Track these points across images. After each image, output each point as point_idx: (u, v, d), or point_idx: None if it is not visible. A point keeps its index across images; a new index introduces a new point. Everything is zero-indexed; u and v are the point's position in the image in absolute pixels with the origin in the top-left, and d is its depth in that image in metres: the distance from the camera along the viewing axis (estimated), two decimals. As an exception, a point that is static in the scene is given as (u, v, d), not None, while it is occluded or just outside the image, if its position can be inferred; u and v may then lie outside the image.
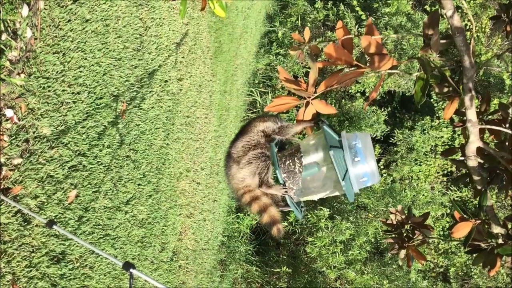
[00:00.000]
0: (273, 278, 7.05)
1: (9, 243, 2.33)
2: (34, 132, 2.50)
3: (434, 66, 1.52)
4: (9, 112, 2.31)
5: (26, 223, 2.43)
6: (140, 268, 3.70)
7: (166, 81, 4.13)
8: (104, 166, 3.16)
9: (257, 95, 7.53)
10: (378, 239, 6.79)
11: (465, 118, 1.54)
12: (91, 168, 3.01)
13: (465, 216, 1.69)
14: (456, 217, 1.71)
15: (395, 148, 8.21)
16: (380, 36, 1.50)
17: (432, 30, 1.52)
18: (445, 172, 8.42)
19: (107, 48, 3.17)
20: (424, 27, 1.55)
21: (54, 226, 2.07)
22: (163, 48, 4.05)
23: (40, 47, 2.53)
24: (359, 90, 8.15)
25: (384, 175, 7.99)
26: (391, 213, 2.23)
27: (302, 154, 1.98)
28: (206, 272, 5.48)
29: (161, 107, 4.04)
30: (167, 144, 4.18)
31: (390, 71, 1.50)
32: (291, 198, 1.99)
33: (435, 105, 8.06)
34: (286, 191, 1.97)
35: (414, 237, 2.13)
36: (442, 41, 1.51)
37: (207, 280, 5.51)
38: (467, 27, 7.82)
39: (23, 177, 2.43)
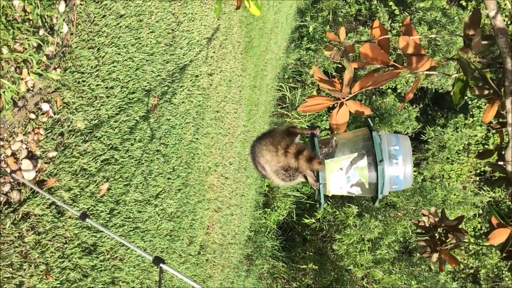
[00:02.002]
0: (299, 274, 7.04)
1: (43, 234, 2.39)
2: (68, 126, 2.55)
3: (475, 68, 1.47)
4: (45, 106, 2.36)
5: (59, 215, 2.48)
6: (168, 261, 3.74)
7: (197, 76, 4.15)
8: (135, 160, 3.21)
9: (287, 90, 7.50)
10: (407, 239, 6.69)
11: (504, 120, 1.49)
12: (122, 161, 3.05)
13: (502, 222, 1.63)
14: (493, 222, 1.66)
15: (426, 146, 8.05)
16: (418, 36, 1.46)
17: (473, 30, 1.47)
18: (478, 171, 8.22)
19: (140, 43, 3.20)
20: (465, 27, 1.50)
21: (87, 219, 2.11)
22: (195, 43, 4.07)
23: (75, 42, 2.57)
24: (390, 87, 8.02)
25: (415, 173, 7.85)
26: (424, 215, 2.19)
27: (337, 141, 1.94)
28: (233, 266, 5.51)
29: (192, 102, 4.06)
30: (197, 138, 4.20)
31: (428, 72, 1.46)
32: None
33: (470, 102, 7.86)
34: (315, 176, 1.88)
35: (447, 241, 2.09)
36: (483, 42, 1.46)
37: (234, 274, 5.54)
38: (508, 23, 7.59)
39: (57, 170, 2.48)
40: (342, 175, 1.87)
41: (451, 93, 1.55)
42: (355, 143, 1.95)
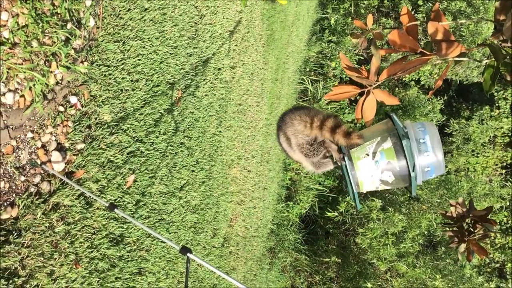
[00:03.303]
0: (322, 267, 7.03)
1: (72, 224, 2.44)
2: (96, 119, 2.59)
3: (506, 53, 1.44)
4: (73, 99, 2.40)
5: (88, 206, 2.53)
6: (193, 253, 3.78)
7: (219, 69, 4.17)
8: (160, 153, 3.24)
9: (308, 83, 7.47)
10: (431, 232, 6.61)
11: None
12: (148, 154, 3.09)
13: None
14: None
15: (451, 139, 7.93)
16: (448, 22, 1.44)
17: (504, 15, 1.44)
18: (504, 164, 8.07)
19: (164, 37, 3.22)
20: (496, 12, 1.47)
21: (116, 210, 2.15)
22: (217, 36, 4.08)
23: (102, 36, 2.61)
24: (413, 78, 7.91)
25: (439, 166, 7.73)
26: (451, 205, 2.16)
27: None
28: (256, 259, 5.54)
29: (215, 94, 4.08)
30: (220, 131, 4.22)
31: (458, 58, 1.43)
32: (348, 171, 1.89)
33: (495, 94, 7.71)
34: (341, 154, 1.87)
35: (476, 231, 2.06)
36: (515, 27, 1.42)
37: (257, 267, 5.57)
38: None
39: (85, 162, 2.52)
40: (370, 161, 1.85)
41: (482, 80, 1.52)
42: (379, 133, 1.94)
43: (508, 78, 1.49)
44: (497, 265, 8.00)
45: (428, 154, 1.76)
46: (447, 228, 2.12)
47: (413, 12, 7.55)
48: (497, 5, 1.47)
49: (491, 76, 1.48)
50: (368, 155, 1.88)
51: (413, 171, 1.76)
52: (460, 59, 1.46)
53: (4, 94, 1.98)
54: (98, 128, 2.62)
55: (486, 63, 1.51)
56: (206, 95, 3.91)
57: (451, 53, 1.41)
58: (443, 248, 6.69)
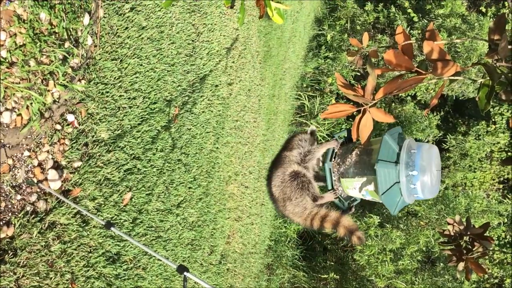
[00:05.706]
0: (320, 284, 6.98)
1: (68, 243, 2.42)
2: (93, 136, 2.59)
3: (501, 73, 1.46)
4: (70, 117, 2.40)
5: (84, 224, 2.52)
6: (190, 270, 3.75)
7: (216, 85, 4.18)
8: (157, 170, 3.23)
9: (305, 99, 7.49)
10: (430, 248, 6.58)
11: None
12: (145, 171, 3.08)
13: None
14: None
15: (448, 154, 7.95)
16: (443, 41, 1.45)
17: (498, 35, 1.46)
18: (502, 179, 8.07)
19: (162, 54, 3.24)
20: (490, 32, 1.49)
21: (112, 228, 2.13)
22: (214, 53, 4.11)
23: (99, 54, 2.62)
24: (410, 94, 7.95)
25: (436, 181, 7.72)
26: (449, 223, 2.16)
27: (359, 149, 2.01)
28: (253, 275, 5.49)
29: (212, 111, 4.09)
30: (217, 148, 4.22)
31: (453, 77, 1.44)
32: (340, 198, 2.06)
33: (491, 110, 7.75)
34: (336, 194, 2.04)
35: (474, 249, 2.06)
36: (510, 47, 1.44)
37: (254, 284, 5.52)
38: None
39: (82, 180, 2.51)
40: (357, 193, 1.96)
41: (477, 99, 1.53)
42: (368, 165, 2.00)
43: (503, 97, 1.50)
44: (496, 280, 7.95)
45: (415, 173, 1.78)
46: (445, 247, 2.12)
47: (408, 29, 7.62)
48: (491, 25, 1.49)
49: (486, 95, 1.50)
50: (355, 189, 1.97)
51: (393, 213, 1.86)
52: (455, 78, 1.47)
53: (1, 113, 1.98)
54: (95, 146, 2.62)
55: (481, 82, 1.52)
56: (203, 112, 3.92)
57: (446, 72, 1.42)
58: (441, 264, 6.65)
